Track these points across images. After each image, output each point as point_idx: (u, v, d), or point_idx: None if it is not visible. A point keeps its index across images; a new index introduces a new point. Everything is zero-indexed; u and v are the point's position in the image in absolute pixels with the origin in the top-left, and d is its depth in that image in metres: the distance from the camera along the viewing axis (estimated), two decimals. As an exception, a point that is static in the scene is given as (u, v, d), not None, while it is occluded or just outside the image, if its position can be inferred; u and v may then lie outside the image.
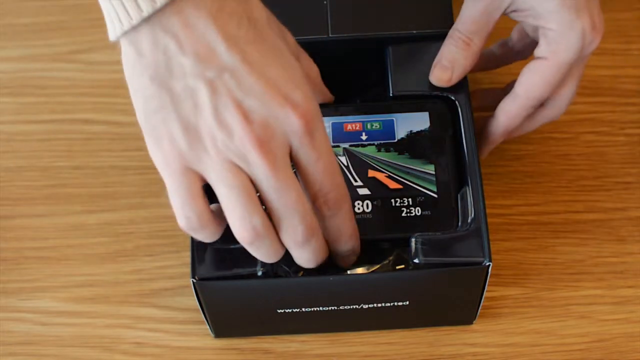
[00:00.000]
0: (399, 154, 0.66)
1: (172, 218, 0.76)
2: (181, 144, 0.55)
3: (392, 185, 0.65)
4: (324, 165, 0.56)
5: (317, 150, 0.55)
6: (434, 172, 0.65)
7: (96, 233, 0.77)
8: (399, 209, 0.64)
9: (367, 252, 0.65)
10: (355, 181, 0.65)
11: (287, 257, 0.61)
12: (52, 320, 0.73)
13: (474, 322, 0.72)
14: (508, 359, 0.71)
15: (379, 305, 0.67)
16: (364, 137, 0.66)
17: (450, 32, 0.68)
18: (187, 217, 0.57)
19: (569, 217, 0.76)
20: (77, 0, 0.88)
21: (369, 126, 0.67)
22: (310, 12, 0.73)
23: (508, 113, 0.69)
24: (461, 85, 0.69)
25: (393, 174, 0.66)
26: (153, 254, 0.76)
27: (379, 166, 0.66)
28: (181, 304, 0.73)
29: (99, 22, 0.86)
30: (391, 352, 0.71)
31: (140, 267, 0.75)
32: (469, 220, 0.65)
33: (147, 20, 0.53)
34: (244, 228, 0.56)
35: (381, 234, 0.64)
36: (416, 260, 0.64)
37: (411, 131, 0.66)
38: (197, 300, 0.66)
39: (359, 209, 0.64)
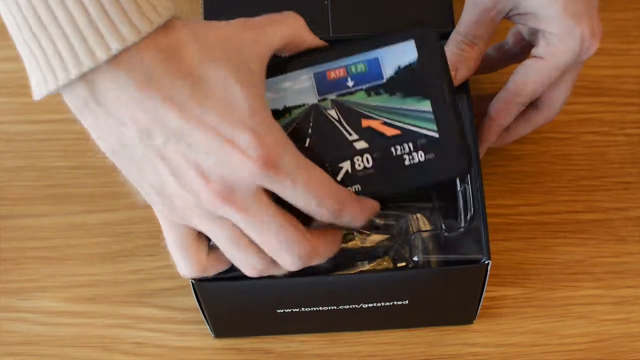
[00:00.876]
0: (390, 96, 0.61)
1: (172, 218, 0.77)
2: (160, 207, 0.55)
3: (389, 132, 0.60)
4: (303, 186, 0.54)
5: (290, 176, 0.54)
6: (430, 109, 0.60)
7: (96, 233, 0.77)
8: (400, 158, 0.59)
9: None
10: (351, 135, 0.60)
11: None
12: (52, 320, 0.73)
13: (474, 322, 0.72)
14: (508, 359, 0.71)
15: (379, 305, 0.67)
16: (350, 83, 0.61)
17: (452, 35, 0.68)
18: (184, 267, 0.58)
19: (569, 217, 0.76)
20: (77, 0, 0.88)
21: (353, 70, 0.61)
22: (310, 12, 0.72)
23: (498, 109, 0.69)
24: (463, 88, 0.69)
25: (388, 119, 0.60)
26: (153, 254, 0.76)
27: (372, 113, 0.60)
28: (181, 304, 0.73)
29: (99, 22, 0.86)
30: (391, 352, 0.71)
31: (140, 267, 0.75)
32: (468, 219, 0.65)
33: (76, 83, 0.51)
34: (246, 269, 0.57)
35: (387, 191, 0.59)
36: (416, 259, 0.64)
37: (399, 67, 0.61)
38: (196, 301, 0.66)
39: (359, 165, 0.59)
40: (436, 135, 0.58)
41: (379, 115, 0.60)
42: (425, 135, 0.58)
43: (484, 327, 0.72)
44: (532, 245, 0.75)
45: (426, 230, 0.67)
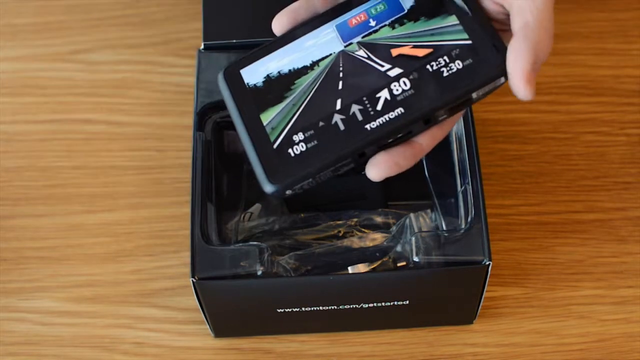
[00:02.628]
0: (414, 22, 0.60)
1: (172, 218, 0.77)
2: None
3: (421, 52, 0.59)
4: None
5: None
6: (457, 22, 0.59)
7: (96, 233, 0.77)
8: (438, 72, 0.58)
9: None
10: (383, 66, 0.59)
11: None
12: (52, 320, 0.73)
13: (474, 322, 0.72)
14: (508, 359, 0.71)
15: (379, 304, 0.67)
16: (372, 23, 0.60)
17: None
18: None
19: (569, 217, 0.76)
20: (77, 0, 0.88)
21: (373, 11, 0.61)
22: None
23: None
24: None
25: (417, 42, 0.59)
26: (153, 254, 0.76)
27: (400, 41, 0.59)
28: (181, 304, 0.73)
29: (99, 22, 0.87)
30: (391, 352, 0.71)
31: (140, 267, 0.75)
32: (469, 219, 0.65)
33: None
34: None
35: (432, 104, 0.58)
36: (416, 259, 0.64)
37: None
38: (197, 300, 0.66)
39: (397, 90, 0.58)
40: (469, 42, 0.58)
41: (408, 42, 0.59)
42: (458, 45, 0.58)
43: (484, 327, 0.72)
44: (532, 245, 0.75)
45: (426, 231, 0.67)
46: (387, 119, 0.56)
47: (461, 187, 0.67)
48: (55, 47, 0.85)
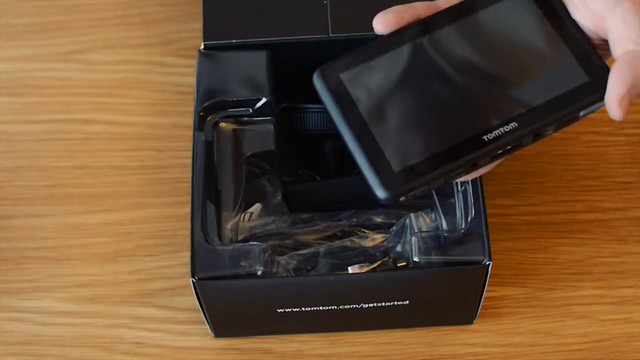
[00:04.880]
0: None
1: (172, 218, 0.77)
2: None
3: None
4: None
5: None
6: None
7: (96, 233, 0.77)
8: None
9: None
10: None
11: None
12: (52, 320, 0.73)
13: (474, 322, 0.72)
14: (508, 359, 0.71)
15: (379, 304, 0.67)
16: None
17: None
18: None
19: (569, 217, 0.76)
20: (77, 0, 0.88)
21: None
22: (310, 12, 0.73)
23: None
24: None
25: None
26: (153, 254, 0.76)
27: None
28: (181, 304, 0.73)
29: (99, 22, 0.87)
30: (391, 352, 0.71)
31: (140, 267, 0.75)
32: (469, 219, 0.65)
33: None
34: None
35: (544, 120, 0.59)
36: (416, 259, 0.64)
37: None
38: (197, 300, 0.66)
39: None
40: (577, 61, 0.60)
41: None
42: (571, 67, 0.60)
43: (484, 327, 0.72)
44: (532, 245, 0.75)
45: (426, 231, 0.67)
46: (503, 131, 0.58)
47: (461, 187, 0.67)
48: (55, 47, 0.85)
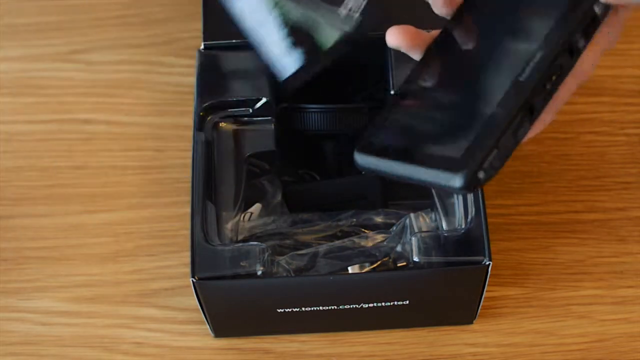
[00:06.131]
0: None
1: (172, 218, 0.77)
2: None
3: None
4: None
5: None
6: None
7: (96, 233, 0.77)
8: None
9: None
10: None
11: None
12: (52, 320, 0.73)
13: (474, 322, 0.72)
14: (508, 359, 0.71)
15: (379, 304, 0.67)
16: None
17: None
18: None
19: (569, 217, 0.76)
20: (77, 0, 0.88)
21: None
22: (310, 12, 0.73)
23: (568, 87, 0.63)
24: None
25: None
26: (153, 254, 0.76)
27: None
28: (181, 304, 0.73)
29: (99, 22, 0.87)
30: (391, 352, 0.71)
31: (140, 267, 0.75)
32: (469, 219, 0.65)
33: None
34: None
35: (565, 30, 0.57)
36: (416, 259, 0.64)
37: None
38: (197, 300, 0.66)
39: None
40: None
41: None
42: None
43: (484, 327, 0.72)
44: (532, 245, 0.75)
45: (426, 231, 0.67)
46: (534, 64, 0.55)
47: (461, 187, 0.67)
48: (55, 47, 0.85)
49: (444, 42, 0.59)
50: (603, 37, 0.62)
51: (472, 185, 0.53)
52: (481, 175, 0.53)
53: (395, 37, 0.59)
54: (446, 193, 0.69)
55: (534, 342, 0.71)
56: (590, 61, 0.61)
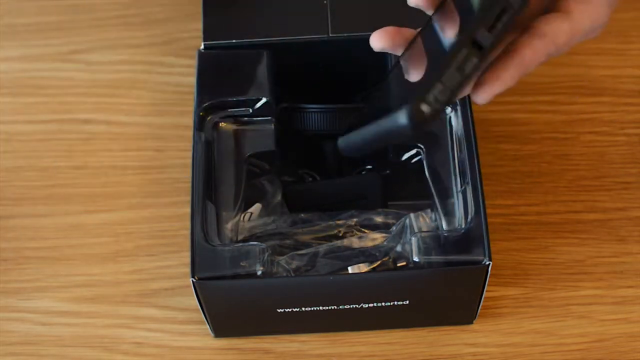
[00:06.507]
0: None
1: (172, 218, 0.77)
2: None
3: None
4: None
5: None
6: None
7: (96, 233, 0.77)
8: None
9: None
10: None
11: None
12: (52, 320, 0.73)
13: (474, 322, 0.72)
14: (508, 359, 0.71)
15: (379, 304, 0.67)
16: None
17: None
18: None
19: (569, 217, 0.76)
20: (77, 0, 0.88)
21: None
22: (310, 12, 0.73)
23: (535, 50, 0.60)
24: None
25: None
26: (153, 254, 0.76)
27: None
28: (181, 304, 0.73)
29: (99, 22, 0.87)
30: (391, 352, 0.71)
31: (140, 267, 0.75)
32: (469, 219, 0.65)
33: None
34: None
35: None
36: (416, 259, 0.64)
37: None
38: (197, 300, 0.66)
39: None
40: None
41: None
42: None
43: (484, 327, 0.72)
44: (532, 245, 0.75)
45: (426, 231, 0.67)
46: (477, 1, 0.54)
47: (461, 187, 0.67)
48: (55, 47, 0.86)
49: (423, 32, 0.60)
50: (581, 17, 0.61)
51: (416, 119, 0.53)
52: (425, 108, 0.53)
53: (378, 41, 0.60)
54: (446, 193, 0.69)
55: (534, 342, 0.71)
56: (564, 37, 0.60)
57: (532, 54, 0.59)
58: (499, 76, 0.59)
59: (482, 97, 0.59)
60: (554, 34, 0.60)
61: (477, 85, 0.58)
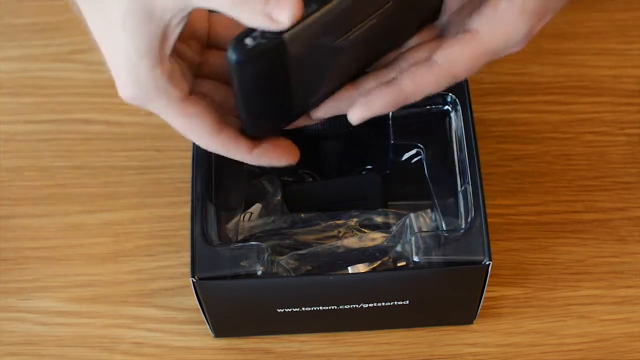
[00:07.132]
0: None
1: (172, 218, 0.77)
2: None
3: None
4: None
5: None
6: None
7: (96, 233, 0.77)
8: None
9: None
10: None
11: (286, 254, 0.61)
12: (52, 320, 0.73)
13: (474, 322, 0.72)
14: (508, 359, 0.71)
15: (379, 304, 0.67)
16: None
17: None
18: None
19: (569, 217, 0.76)
20: (77, 0, 0.88)
21: None
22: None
23: (418, 82, 0.59)
24: (461, 85, 0.69)
25: None
26: (153, 254, 0.76)
27: None
28: (181, 304, 0.73)
29: (99, 22, 0.86)
30: (391, 352, 0.71)
31: (140, 267, 0.75)
32: (469, 219, 0.65)
33: None
34: None
35: None
36: (416, 259, 0.64)
37: None
38: (197, 300, 0.66)
39: None
40: None
41: None
42: None
43: (484, 327, 0.72)
44: (532, 245, 0.75)
45: (426, 231, 0.67)
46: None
47: (461, 187, 0.67)
48: (55, 47, 0.85)
49: None
50: (490, 36, 0.59)
51: (239, 51, 0.53)
52: (249, 41, 0.53)
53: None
54: (446, 193, 0.68)
55: (534, 342, 0.72)
56: (463, 64, 0.58)
57: (413, 85, 0.58)
58: (371, 101, 0.58)
59: (352, 119, 0.59)
60: (450, 63, 0.58)
61: (352, 105, 0.59)
